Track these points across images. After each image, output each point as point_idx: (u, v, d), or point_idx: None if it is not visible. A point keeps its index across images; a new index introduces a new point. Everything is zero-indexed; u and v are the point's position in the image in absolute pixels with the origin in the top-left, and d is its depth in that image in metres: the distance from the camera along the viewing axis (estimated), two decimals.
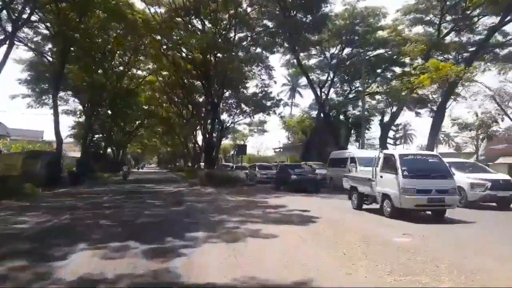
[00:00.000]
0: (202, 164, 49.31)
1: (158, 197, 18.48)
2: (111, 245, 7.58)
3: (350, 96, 40.24)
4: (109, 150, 63.11)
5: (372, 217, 12.18)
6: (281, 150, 55.88)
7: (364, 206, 13.69)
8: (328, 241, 8.16)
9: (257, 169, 29.78)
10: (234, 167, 33.20)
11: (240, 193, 21.06)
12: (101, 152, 51.01)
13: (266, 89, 39.37)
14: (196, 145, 53.41)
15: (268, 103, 40.55)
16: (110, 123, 51.39)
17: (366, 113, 33.62)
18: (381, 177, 12.31)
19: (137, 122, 66.41)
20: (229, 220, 10.95)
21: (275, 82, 41.31)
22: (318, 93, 39.88)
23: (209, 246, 7.68)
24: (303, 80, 51.82)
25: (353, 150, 27.10)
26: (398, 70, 37.87)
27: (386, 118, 35.04)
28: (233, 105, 40.86)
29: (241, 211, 13.21)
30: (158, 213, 12.92)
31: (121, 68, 42.54)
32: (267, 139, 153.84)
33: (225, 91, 36.95)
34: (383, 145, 31.16)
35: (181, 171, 52.71)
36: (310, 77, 41.90)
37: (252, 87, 45.82)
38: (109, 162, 56.79)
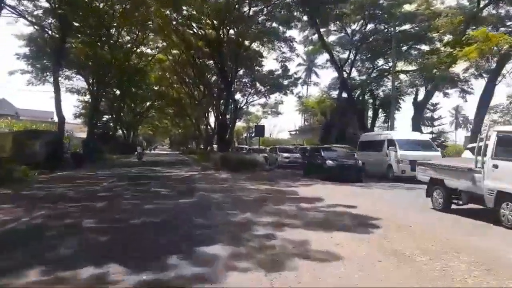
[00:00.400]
0: (215, 146, 46.55)
1: (166, 184, 15.50)
2: (75, 276, 4.60)
3: (374, 75, 36.67)
4: (120, 132, 60.79)
5: (478, 225, 8.26)
6: (297, 132, 52.60)
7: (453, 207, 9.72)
8: (429, 271, 5.05)
9: (278, 153, 26.71)
10: (250, 150, 30.09)
11: (260, 179, 18.03)
12: (110, 133, 48.20)
13: (286, 63, 35.89)
14: (209, 127, 50.42)
15: (285, 82, 37.17)
16: (119, 103, 48.61)
17: (396, 92, 30.07)
18: (495, 166, 8.07)
19: (148, 103, 63.82)
20: (257, 222, 7.90)
21: (297, 55, 37.76)
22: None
23: (237, 277, 4.64)
24: (319, 60, 48.28)
25: (391, 131, 23.65)
26: (425, 47, 34.22)
27: (419, 97, 31.42)
28: (248, 84, 37.56)
29: (269, 205, 10.18)
30: (162, 207, 9.93)
31: (128, 45, 39.27)
32: (281, 122, 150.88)
33: (239, 69, 33.60)
34: (416, 126, 27.75)
35: (193, 153, 49.94)
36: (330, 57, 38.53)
37: (268, 64, 42.41)
38: (119, 144, 54.39)
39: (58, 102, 27.74)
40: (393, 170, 18.50)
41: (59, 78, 34.26)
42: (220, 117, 34.95)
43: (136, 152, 41.00)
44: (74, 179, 17.13)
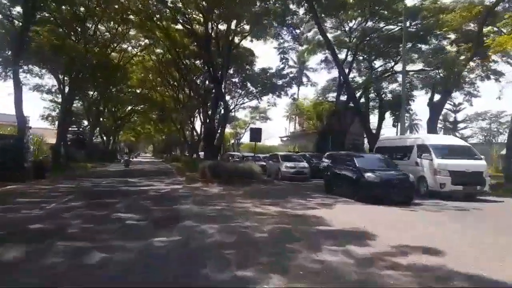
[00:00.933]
0: (201, 153, 42.13)
1: (139, 206, 11.11)
2: None
3: (376, 74, 32.98)
4: (99, 138, 55.78)
5: None
6: (289, 138, 48.57)
7: None
8: None
9: (280, 161, 22.31)
10: (244, 157, 25.81)
11: (263, 196, 13.82)
12: (85, 139, 43.26)
13: (286, 56, 31.82)
14: (194, 132, 46.00)
15: (280, 82, 33.24)
16: (97, 106, 43.79)
17: (406, 92, 26.34)
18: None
19: (129, 107, 59.03)
20: None
21: (301, 45, 33.62)
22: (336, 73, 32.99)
23: None
24: (312, 62, 44.61)
25: (422, 135, 19.76)
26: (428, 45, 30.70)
27: (425, 97, 27.66)
28: (238, 84, 33.44)
29: (302, 254, 5.97)
30: (118, 259, 5.64)
31: (107, 40, 34.67)
32: (269, 128, 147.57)
33: (230, 67, 29.46)
34: (432, 130, 23.99)
35: (176, 161, 45.39)
36: (325, 55, 34.82)
37: (261, 62, 38.06)
38: (98, 151, 49.51)
39: (19, 101, 22.91)
40: (427, 183, 14.52)
41: (24, 74, 29.66)
42: (208, 120, 30.79)
43: (122, 160, 42.20)
44: (17, 196, 12.71)
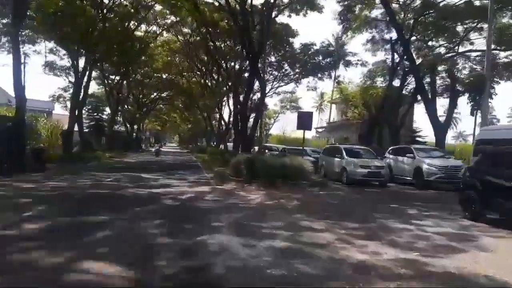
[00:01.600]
0: (229, 145, 37.28)
1: (129, 240, 6.05)
2: None
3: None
4: (120, 126, 51.78)
5: None
6: (326, 129, 42.80)
7: None
8: None
9: (344, 157, 15.91)
10: (285, 150, 20.50)
11: (336, 213, 8.61)
12: (104, 126, 38.95)
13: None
14: (222, 121, 41.08)
15: (323, 61, 27.79)
16: (119, 90, 39.37)
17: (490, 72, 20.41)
18: None
19: (155, 94, 54.75)
20: None
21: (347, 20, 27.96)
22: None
23: None
24: (351, 46, 38.31)
25: None
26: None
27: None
28: (274, 65, 28.13)
29: None
30: None
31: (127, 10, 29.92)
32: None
33: (268, 42, 24.13)
34: None
35: (203, 152, 40.68)
36: (372, 34, 28.95)
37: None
38: (120, 139, 45.41)
39: (18, 75, 18.47)
40: None
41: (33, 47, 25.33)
42: (239, 106, 25.78)
43: (153, 149, 42.80)
44: None
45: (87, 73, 27.90)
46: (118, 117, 55.35)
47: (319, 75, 28.87)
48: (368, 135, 27.82)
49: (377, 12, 28.65)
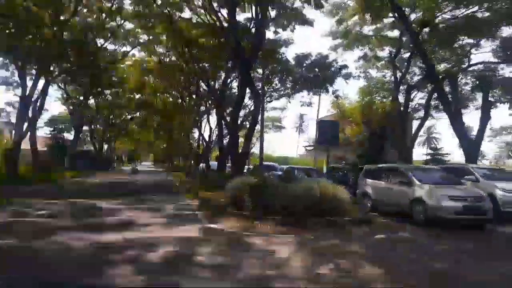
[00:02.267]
0: (213, 163, 32.32)
1: None
2: None
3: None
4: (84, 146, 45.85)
5: None
6: (313, 148, 38.33)
7: None
8: None
9: (417, 182, 10.02)
10: (290, 171, 15.74)
11: None
12: (65, 145, 33.13)
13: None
14: (202, 140, 36.06)
15: (319, 74, 23.70)
16: (82, 106, 33.82)
17: None
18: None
19: (127, 115, 49.23)
20: None
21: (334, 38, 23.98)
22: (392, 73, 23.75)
23: None
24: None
25: None
26: None
27: None
28: (264, 77, 23.69)
29: None
30: None
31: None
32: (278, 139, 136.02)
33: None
34: None
35: (177, 170, 35.28)
36: (363, 51, 25.09)
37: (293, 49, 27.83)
38: (88, 159, 39.49)
39: None
40: None
41: None
42: (227, 121, 21.28)
43: (130, 167, 44.12)
44: None
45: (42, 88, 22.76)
46: (86, 137, 49.57)
47: (316, 89, 24.60)
48: (372, 154, 23.87)
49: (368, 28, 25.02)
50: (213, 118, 34.09)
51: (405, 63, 23.90)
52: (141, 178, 28.35)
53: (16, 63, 20.70)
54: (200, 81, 34.06)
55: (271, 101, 28.77)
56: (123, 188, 18.48)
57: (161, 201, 12.43)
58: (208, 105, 34.09)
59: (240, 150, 17.91)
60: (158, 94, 41.87)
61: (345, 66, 23.81)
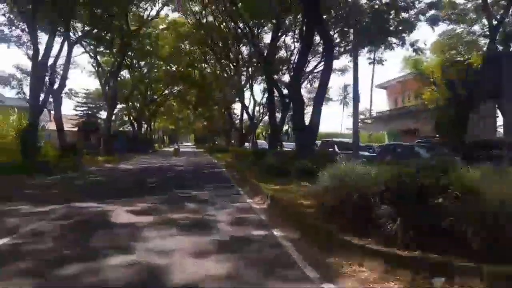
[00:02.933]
0: (261, 142, 27.83)
1: None
2: None
3: None
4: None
5: None
6: (371, 121, 32.34)
7: None
8: None
9: None
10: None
11: None
12: (96, 124, 29.65)
13: None
14: (246, 113, 31.35)
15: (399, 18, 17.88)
16: (115, 77, 29.95)
17: None
18: None
19: (164, 90, 45.51)
20: None
21: None
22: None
23: None
24: None
25: None
26: None
27: None
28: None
29: None
30: None
31: None
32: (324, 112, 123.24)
33: None
34: None
35: (222, 152, 31.16)
36: None
37: None
38: (124, 140, 36.29)
39: None
40: None
41: None
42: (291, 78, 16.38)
43: (172, 148, 41.28)
44: None
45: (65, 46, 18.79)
46: (124, 115, 46.55)
47: (392, 39, 18.84)
48: (457, 125, 18.30)
49: None
50: (258, 88, 29.27)
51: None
52: (182, 162, 24.28)
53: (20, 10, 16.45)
54: (242, 44, 29.53)
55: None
56: (160, 176, 14.29)
57: (209, 204, 7.86)
58: (251, 72, 29.36)
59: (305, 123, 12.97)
60: (195, 65, 37.90)
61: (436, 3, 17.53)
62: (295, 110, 12.87)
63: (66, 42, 20.37)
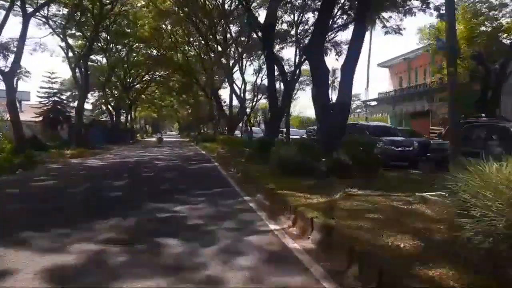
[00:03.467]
0: (256, 129, 24.36)
1: None
2: None
3: None
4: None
5: None
6: (377, 103, 28.71)
7: None
8: None
9: None
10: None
11: None
12: (65, 112, 25.44)
13: None
14: (234, 98, 27.67)
15: None
16: (87, 60, 25.78)
17: None
18: None
19: (143, 74, 41.22)
20: None
21: None
22: None
23: None
24: None
25: None
26: None
27: None
28: None
29: None
30: None
31: None
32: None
33: None
34: None
35: (210, 141, 27.35)
36: None
37: None
38: (101, 130, 32.18)
39: None
40: None
41: None
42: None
43: (156, 137, 40.18)
44: None
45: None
46: (101, 104, 42.15)
47: (414, 2, 15.41)
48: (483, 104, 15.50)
49: None
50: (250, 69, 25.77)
51: None
52: (164, 154, 20.49)
53: None
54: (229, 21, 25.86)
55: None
56: (133, 176, 10.62)
57: (205, 242, 4.14)
58: (240, 50, 25.69)
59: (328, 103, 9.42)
60: (178, 47, 33.88)
61: None
62: (317, 84, 9.30)
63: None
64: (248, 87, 31.48)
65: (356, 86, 64.51)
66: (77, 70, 25.31)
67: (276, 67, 15.10)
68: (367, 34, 23.04)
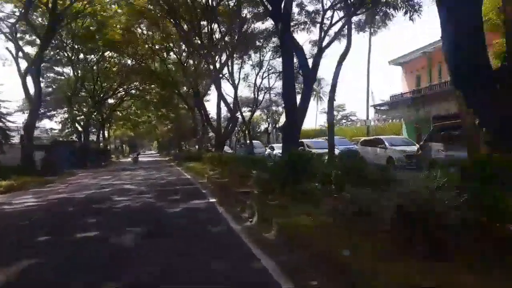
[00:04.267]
0: (256, 144, 19.38)
1: None
2: None
3: None
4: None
5: None
6: (387, 108, 24.08)
7: None
8: None
9: None
10: None
11: None
12: (7, 129, 19.54)
13: None
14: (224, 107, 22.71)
15: None
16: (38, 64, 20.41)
17: None
18: None
19: (119, 89, 35.79)
20: None
21: None
22: None
23: None
24: None
25: None
26: None
27: None
28: None
29: None
30: None
31: None
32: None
33: None
34: None
35: (193, 160, 21.95)
36: None
37: None
38: (70, 152, 26.63)
39: None
40: None
41: None
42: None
43: (131, 157, 38.13)
44: None
45: None
46: (68, 122, 36.22)
47: None
48: None
49: None
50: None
51: None
52: (136, 181, 15.07)
53: None
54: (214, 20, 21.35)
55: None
56: (62, 248, 5.22)
57: None
58: (230, 49, 21.00)
59: None
60: (156, 55, 28.98)
61: None
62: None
63: None
64: (239, 93, 26.82)
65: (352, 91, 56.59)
66: (29, 78, 19.92)
67: (295, 56, 10.44)
68: (367, 34, 18.95)
